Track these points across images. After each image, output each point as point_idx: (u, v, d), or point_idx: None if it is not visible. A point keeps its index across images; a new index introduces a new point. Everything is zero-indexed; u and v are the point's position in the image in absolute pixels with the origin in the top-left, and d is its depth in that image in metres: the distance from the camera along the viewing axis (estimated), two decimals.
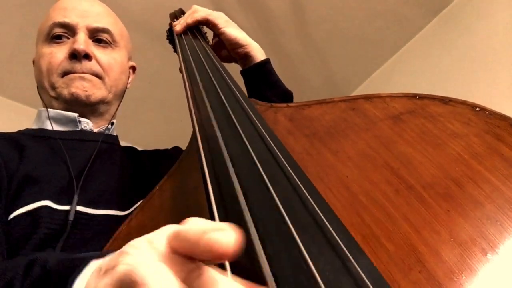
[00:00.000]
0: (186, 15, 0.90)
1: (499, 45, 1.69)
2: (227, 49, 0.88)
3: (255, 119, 0.43)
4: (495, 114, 0.36)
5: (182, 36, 0.85)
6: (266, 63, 0.86)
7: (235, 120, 0.42)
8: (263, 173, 0.34)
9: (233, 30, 0.85)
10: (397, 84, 2.22)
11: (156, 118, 2.51)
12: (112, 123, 0.87)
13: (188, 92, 0.55)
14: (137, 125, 2.38)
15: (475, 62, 1.77)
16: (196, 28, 0.89)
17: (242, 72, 0.88)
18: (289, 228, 0.28)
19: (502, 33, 1.70)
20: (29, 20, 1.89)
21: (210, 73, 0.59)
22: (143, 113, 2.41)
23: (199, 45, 0.78)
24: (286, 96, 0.88)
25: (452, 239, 0.30)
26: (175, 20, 0.92)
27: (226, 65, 0.69)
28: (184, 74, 0.64)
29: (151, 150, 0.94)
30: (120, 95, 0.88)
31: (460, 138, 0.35)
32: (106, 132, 0.84)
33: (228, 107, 0.46)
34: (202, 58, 0.69)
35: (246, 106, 0.46)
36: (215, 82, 0.55)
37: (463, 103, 0.39)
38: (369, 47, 2.27)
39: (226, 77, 0.57)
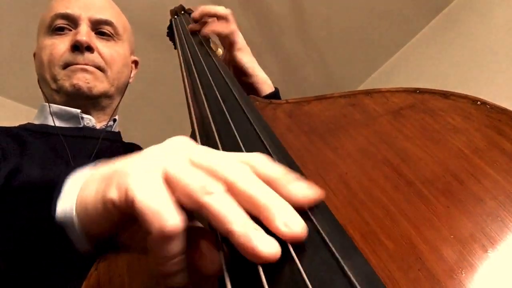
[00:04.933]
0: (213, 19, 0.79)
1: (499, 45, 1.69)
2: (232, 70, 0.81)
3: (253, 117, 0.42)
4: (497, 108, 0.35)
5: (183, 34, 0.84)
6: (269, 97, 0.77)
7: (229, 119, 0.42)
8: None
9: (245, 57, 0.78)
10: (397, 84, 2.21)
11: (156, 118, 2.50)
12: (115, 120, 0.86)
13: (187, 89, 0.55)
14: (136, 125, 2.37)
15: (475, 62, 1.77)
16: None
17: None
18: None
19: (502, 33, 1.70)
20: (29, 20, 1.88)
21: (207, 70, 0.59)
22: (143, 113, 2.41)
23: (198, 43, 0.77)
24: None
25: (452, 236, 0.29)
26: (175, 16, 0.92)
27: None
28: (184, 71, 0.64)
29: None
30: (122, 89, 0.86)
31: (461, 133, 0.35)
32: (108, 129, 0.83)
33: (223, 106, 0.45)
34: (200, 55, 0.68)
35: (243, 104, 0.45)
36: (212, 79, 0.55)
37: (464, 97, 0.38)
38: (369, 47, 2.27)
39: (224, 74, 0.57)
